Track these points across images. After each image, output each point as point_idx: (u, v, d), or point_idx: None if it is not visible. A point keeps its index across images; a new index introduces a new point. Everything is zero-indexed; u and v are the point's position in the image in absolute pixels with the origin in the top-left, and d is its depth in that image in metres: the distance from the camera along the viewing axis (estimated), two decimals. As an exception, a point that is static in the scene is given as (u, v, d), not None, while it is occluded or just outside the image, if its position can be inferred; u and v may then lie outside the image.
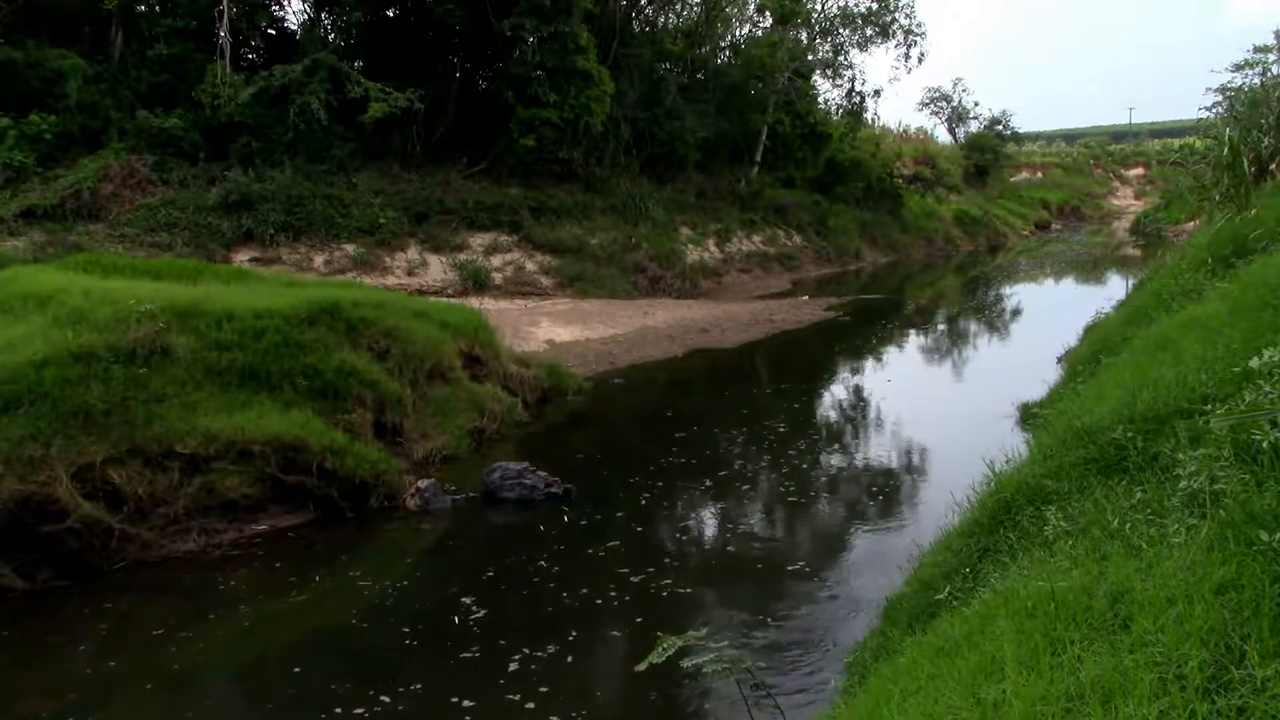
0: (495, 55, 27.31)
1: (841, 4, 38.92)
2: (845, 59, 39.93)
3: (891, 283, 32.49)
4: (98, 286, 10.43)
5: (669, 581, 7.79)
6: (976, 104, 74.31)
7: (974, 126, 56.31)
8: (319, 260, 22.13)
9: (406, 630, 6.93)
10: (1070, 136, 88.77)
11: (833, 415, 14.38)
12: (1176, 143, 40.86)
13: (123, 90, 23.42)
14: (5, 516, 7.44)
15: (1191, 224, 23.24)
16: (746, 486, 10.68)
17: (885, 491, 10.29)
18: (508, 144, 26.47)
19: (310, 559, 8.40)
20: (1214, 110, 17.22)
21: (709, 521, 9.73)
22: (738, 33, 39.14)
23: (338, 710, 5.85)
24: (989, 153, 52.96)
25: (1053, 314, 22.69)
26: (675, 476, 10.68)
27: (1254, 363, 3.68)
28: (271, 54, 26.63)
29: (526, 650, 6.56)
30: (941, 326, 23.66)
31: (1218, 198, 11.46)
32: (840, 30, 39.07)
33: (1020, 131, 58.35)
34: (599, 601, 7.43)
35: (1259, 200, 9.98)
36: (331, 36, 27.65)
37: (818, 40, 39.39)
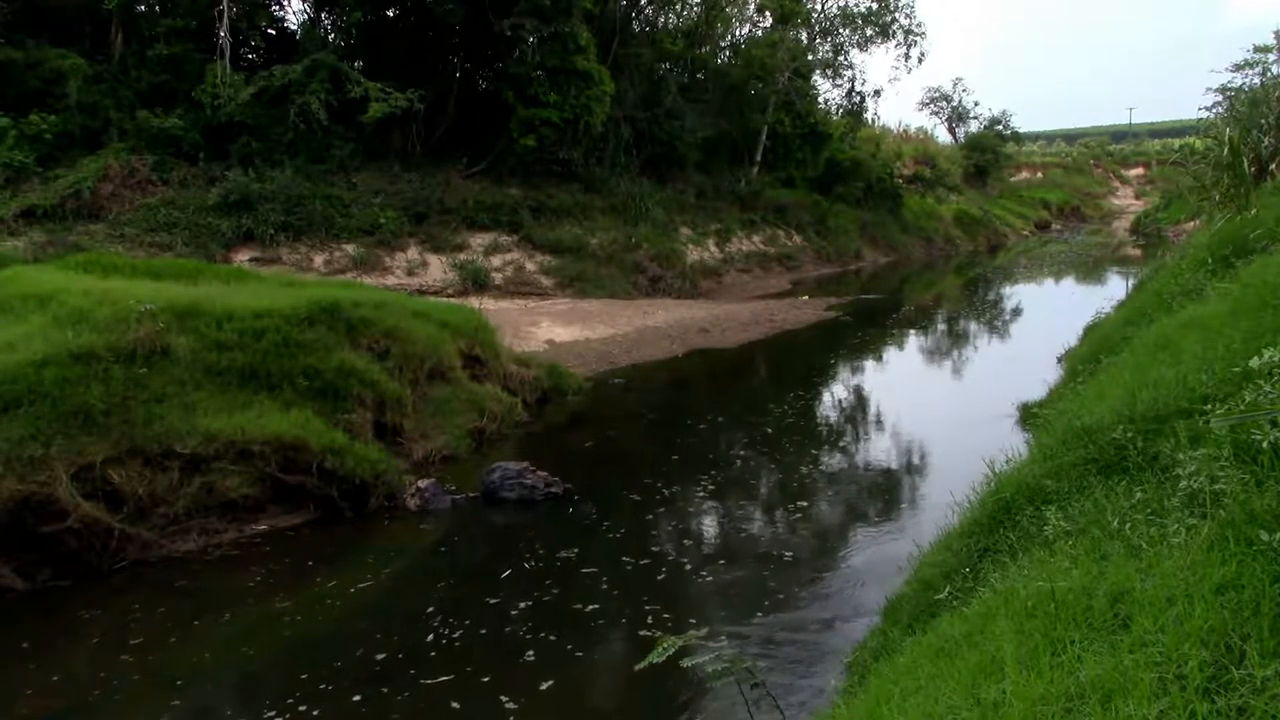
0: (495, 55, 27.31)
1: (841, 4, 39.02)
2: (845, 59, 40.09)
3: (891, 283, 32.49)
4: (98, 286, 10.43)
5: (669, 581, 7.79)
6: (976, 104, 74.61)
7: (974, 126, 56.48)
8: (319, 260, 22.12)
9: (406, 630, 6.93)
10: (1070, 136, 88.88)
11: (833, 415, 14.37)
12: (1176, 143, 40.88)
13: (123, 90, 23.41)
14: (5, 516, 7.44)
15: (1191, 224, 23.25)
16: (746, 486, 10.68)
17: (885, 491, 10.29)
18: (508, 144, 26.46)
19: (310, 559, 8.40)
20: (1214, 110, 17.23)
21: (709, 521, 9.73)
22: (738, 33, 39.19)
23: (337, 711, 5.85)
24: (989, 153, 53.02)
25: (1052, 314, 22.69)
26: (675, 476, 10.68)
27: (1254, 363, 3.67)
28: (271, 54, 26.63)
29: (526, 650, 6.57)
30: (941, 326, 23.66)
31: (1218, 198, 11.47)
32: (840, 30, 39.16)
33: (1020, 131, 58.48)
34: (599, 601, 7.42)
35: (1259, 200, 9.98)
36: (331, 36, 27.63)
37: (818, 40, 39.45)
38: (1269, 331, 4.73)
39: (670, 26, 36.15)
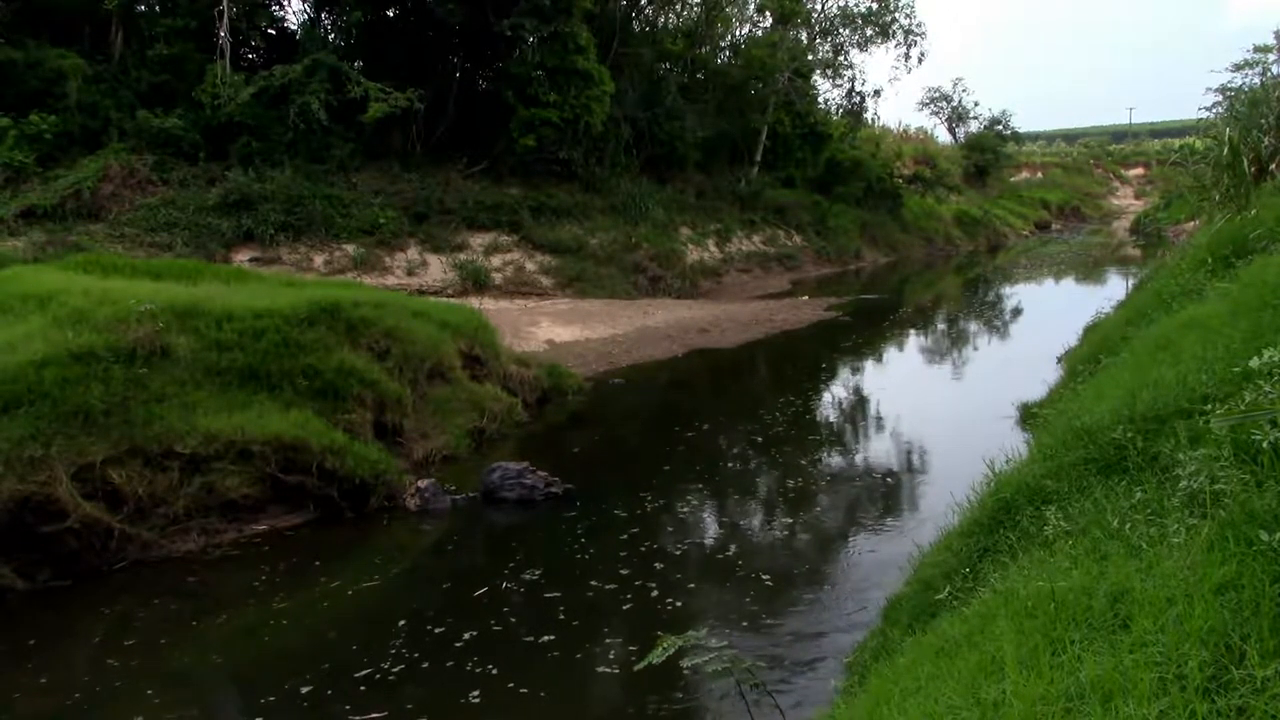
0: (495, 55, 27.31)
1: (841, 4, 39.04)
2: (845, 59, 40.15)
3: (891, 283, 32.48)
4: (98, 286, 10.42)
5: (669, 581, 7.79)
6: (976, 104, 74.48)
7: (974, 126, 56.47)
8: (319, 260, 22.11)
9: (406, 630, 6.93)
10: (1070, 136, 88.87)
11: (833, 415, 14.37)
12: (1176, 143, 40.89)
13: (123, 90, 23.40)
14: (5, 516, 7.44)
15: (1191, 224, 23.26)
16: (746, 486, 10.68)
17: (885, 491, 10.28)
18: (508, 144, 26.47)
19: (310, 559, 8.39)
20: (1214, 110, 17.24)
21: (709, 522, 9.73)
22: (738, 33, 39.21)
23: (337, 711, 5.85)
24: (989, 153, 53.03)
25: (1052, 314, 22.68)
26: (675, 476, 10.68)
27: (1254, 363, 3.68)
28: (271, 54, 26.63)
29: (526, 650, 6.57)
30: (941, 326, 23.66)
31: (1218, 198, 11.47)
32: (840, 30, 39.19)
33: (1020, 131, 58.51)
34: (599, 602, 7.42)
35: (1259, 200, 9.98)
36: (331, 36, 27.64)
37: (818, 40, 39.48)
38: (1269, 331, 4.73)
39: (670, 26, 36.17)
